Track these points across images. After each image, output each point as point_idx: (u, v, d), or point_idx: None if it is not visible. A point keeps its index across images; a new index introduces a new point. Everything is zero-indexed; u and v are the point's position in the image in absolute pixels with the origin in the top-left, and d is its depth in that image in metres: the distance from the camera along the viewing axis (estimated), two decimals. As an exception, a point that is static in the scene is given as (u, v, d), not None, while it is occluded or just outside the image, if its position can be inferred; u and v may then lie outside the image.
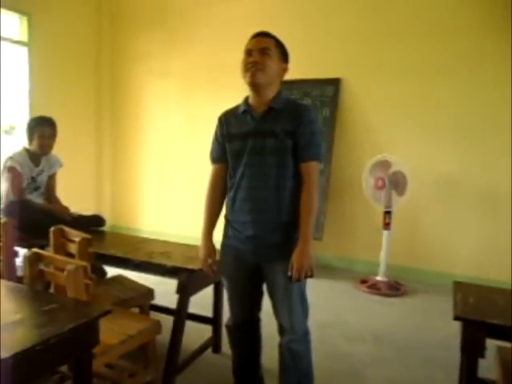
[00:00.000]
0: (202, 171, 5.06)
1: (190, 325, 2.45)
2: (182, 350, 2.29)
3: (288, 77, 1.88)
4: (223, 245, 1.99)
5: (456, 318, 1.62)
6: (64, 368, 1.87)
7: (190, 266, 2.24)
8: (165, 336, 2.24)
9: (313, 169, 1.76)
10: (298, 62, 4.28)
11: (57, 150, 3.24)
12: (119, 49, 5.46)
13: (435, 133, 4.09)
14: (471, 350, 1.59)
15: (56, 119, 3.13)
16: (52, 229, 2.18)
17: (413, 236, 4.23)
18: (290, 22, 4.45)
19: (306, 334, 1.92)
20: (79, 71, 5.20)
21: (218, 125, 1.96)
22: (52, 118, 3.11)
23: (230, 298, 2.01)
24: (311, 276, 1.74)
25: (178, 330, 2.25)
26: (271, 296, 1.89)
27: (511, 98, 3.77)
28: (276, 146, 1.73)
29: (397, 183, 3.87)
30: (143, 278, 2.62)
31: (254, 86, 1.77)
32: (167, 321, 2.33)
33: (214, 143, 1.97)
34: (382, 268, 3.97)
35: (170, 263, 2.28)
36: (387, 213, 3.92)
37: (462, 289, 1.86)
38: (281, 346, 1.92)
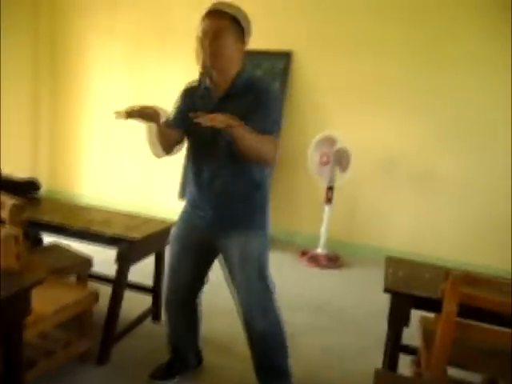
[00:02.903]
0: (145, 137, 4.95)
1: (129, 294, 2.42)
2: (121, 319, 2.28)
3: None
4: (180, 216, 1.98)
5: (386, 291, 1.72)
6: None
7: (130, 235, 2.19)
8: (104, 305, 2.21)
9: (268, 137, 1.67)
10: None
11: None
12: (59, 2, 5.07)
13: (381, 112, 4.20)
14: (397, 319, 1.71)
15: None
16: (-20, 193, 2.04)
17: (352, 211, 4.40)
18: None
19: (267, 311, 1.86)
20: (14, 24, 4.76)
21: (180, 96, 1.91)
22: None
23: (173, 269, 1.96)
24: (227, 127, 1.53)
25: (116, 300, 2.23)
26: (229, 271, 1.88)
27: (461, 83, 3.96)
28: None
29: (340, 160, 3.97)
30: (82, 247, 2.54)
31: (211, 73, 1.73)
32: (107, 290, 2.29)
33: (173, 111, 1.91)
34: (321, 241, 4.11)
35: (109, 232, 2.23)
36: (330, 188, 4.03)
37: (392, 263, 1.97)
38: (245, 326, 1.87)
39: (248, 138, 1.60)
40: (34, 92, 5.17)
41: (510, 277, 2.02)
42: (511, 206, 3.84)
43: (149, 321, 2.62)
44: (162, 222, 2.51)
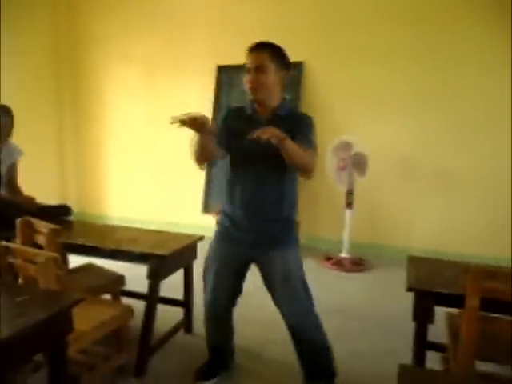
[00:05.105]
0: (165, 156, 5.12)
1: (161, 307, 2.51)
2: (154, 332, 2.37)
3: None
4: (217, 232, 2.08)
5: (409, 289, 1.77)
6: (39, 356, 1.91)
7: (159, 252, 2.29)
8: (137, 320, 2.31)
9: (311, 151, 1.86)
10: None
11: (16, 138, 3.17)
12: (78, 31, 5.30)
13: (394, 115, 4.25)
14: (421, 316, 1.75)
15: (14, 106, 3.05)
16: (19, 220, 2.18)
17: (374, 214, 4.42)
18: (254, 5, 4.46)
19: (314, 319, 2.01)
20: (36, 55, 5.03)
21: (225, 116, 2.04)
22: (7, 106, 3.02)
23: (215, 286, 2.06)
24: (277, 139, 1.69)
25: (149, 315, 2.32)
26: (271, 288, 2.00)
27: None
28: (278, 148, 1.76)
29: (358, 164, 4.02)
30: (113, 265, 2.66)
31: (256, 101, 1.93)
32: (139, 305, 2.39)
33: (217, 128, 1.97)
34: (345, 245, 4.15)
35: (138, 249, 2.33)
36: (349, 193, 4.07)
37: (414, 262, 2.02)
38: (292, 337, 2.02)
39: (295, 149, 1.75)
40: (57, 122, 5.42)
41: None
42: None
43: (181, 333, 2.71)
44: (189, 236, 2.60)
